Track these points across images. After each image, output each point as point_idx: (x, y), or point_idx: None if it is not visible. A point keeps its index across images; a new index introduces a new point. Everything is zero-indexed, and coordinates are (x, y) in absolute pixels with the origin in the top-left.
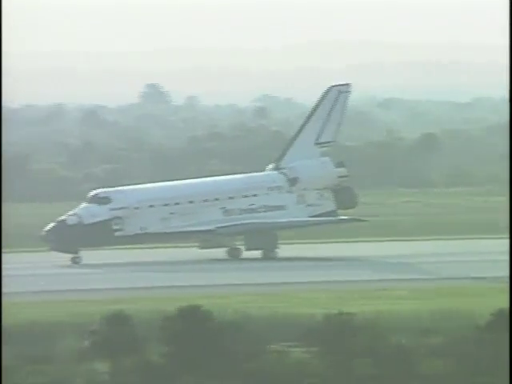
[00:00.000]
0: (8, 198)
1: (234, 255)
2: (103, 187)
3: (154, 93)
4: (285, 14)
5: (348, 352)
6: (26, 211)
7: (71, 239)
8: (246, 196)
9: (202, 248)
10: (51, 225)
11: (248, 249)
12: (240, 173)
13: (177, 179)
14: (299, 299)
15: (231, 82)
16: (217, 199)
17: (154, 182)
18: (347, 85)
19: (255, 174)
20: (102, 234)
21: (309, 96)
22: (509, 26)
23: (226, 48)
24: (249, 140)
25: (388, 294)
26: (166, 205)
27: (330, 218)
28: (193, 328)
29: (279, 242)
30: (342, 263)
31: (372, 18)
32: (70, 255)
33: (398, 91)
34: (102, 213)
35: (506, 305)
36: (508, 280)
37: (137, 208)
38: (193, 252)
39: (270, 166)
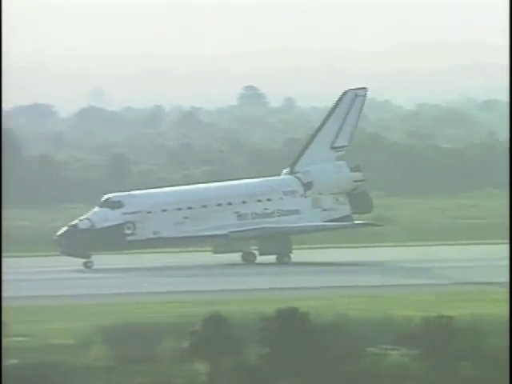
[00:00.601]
0: None
1: (249, 260)
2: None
3: (252, 94)
4: (388, 14)
5: (449, 355)
6: None
7: (83, 244)
8: (259, 200)
9: (216, 253)
10: (63, 229)
11: (261, 253)
12: None
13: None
14: (399, 301)
15: (328, 83)
16: (230, 203)
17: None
18: (364, 88)
19: (269, 178)
20: (114, 239)
21: (406, 98)
22: None
23: (324, 49)
24: None
25: (484, 298)
26: (179, 209)
27: (345, 223)
28: (291, 329)
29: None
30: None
31: (476, 18)
32: (82, 260)
33: (499, 93)
34: (114, 217)
35: None
36: None
37: (149, 212)
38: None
39: (285, 171)
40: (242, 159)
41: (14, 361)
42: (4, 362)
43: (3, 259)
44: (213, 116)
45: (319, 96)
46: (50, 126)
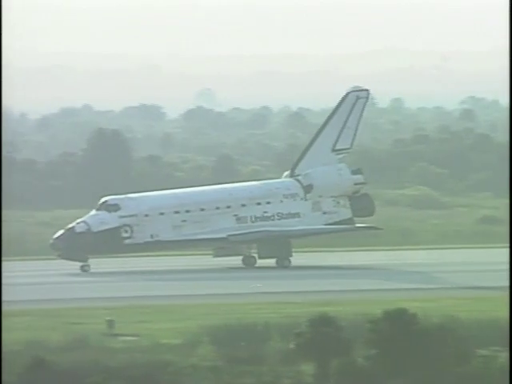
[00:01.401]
0: None
1: (249, 263)
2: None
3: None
4: (495, 14)
5: None
6: None
7: (80, 247)
8: (259, 203)
9: (216, 256)
10: (59, 232)
11: (261, 257)
12: (448, 175)
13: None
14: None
15: (436, 83)
16: (229, 207)
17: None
18: (366, 90)
19: (269, 181)
20: (111, 242)
21: None
22: None
23: (431, 50)
24: (454, 143)
25: None
26: (176, 212)
27: (346, 226)
28: (400, 331)
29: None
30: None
31: None
32: (79, 263)
33: None
34: (110, 220)
35: None
36: None
37: (147, 215)
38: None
39: (286, 173)
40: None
41: (123, 360)
42: (111, 362)
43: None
44: (320, 117)
45: (427, 96)
46: (159, 127)
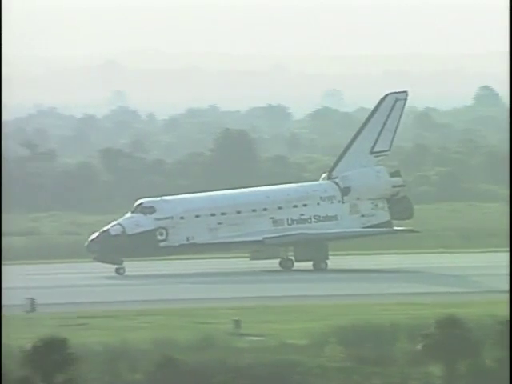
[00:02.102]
0: None
1: (287, 266)
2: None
3: (488, 94)
4: None
5: None
6: None
7: (114, 250)
8: (296, 206)
9: (253, 259)
10: (94, 235)
11: (297, 260)
12: None
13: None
14: None
15: None
16: (265, 209)
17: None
18: (404, 92)
19: (306, 183)
20: (146, 245)
21: None
22: None
23: None
24: None
25: None
26: (212, 215)
27: (383, 229)
28: None
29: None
30: None
31: None
32: (114, 266)
33: None
34: (146, 223)
35: None
36: None
37: (182, 218)
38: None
39: (323, 176)
40: (478, 161)
41: (250, 360)
42: (238, 362)
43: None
44: (448, 116)
45: None
46: (285, 127)
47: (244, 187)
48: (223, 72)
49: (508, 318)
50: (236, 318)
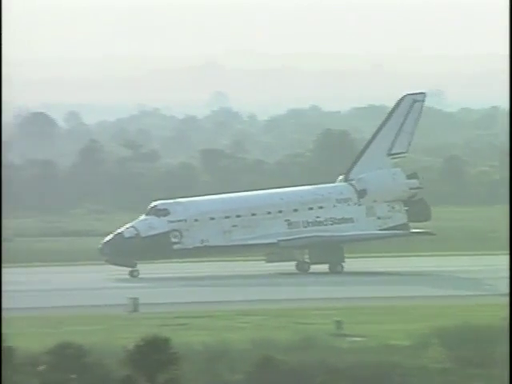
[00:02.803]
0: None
1: (303, 269)
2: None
3: None
4: None
5: None
6: (457, 215)
7: (128, 252)
8: (311, 208)
9: (269, 261)
10: (108, 237)
11: (313, 262)
12: None
13: None
14: None
15: None
16: (280, 211)
17: None
18: (422, 93)
19: (322, 185)
20: (160, 247)
21: None
22: None
23: None
24: None
25: None
26: (227, 217)
27: (400, 231)
28: None
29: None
30: None
31: None
32: (128, 268)
33: None
34: (160, 225)
35: None
36: None
37: (196, 220)
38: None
39: (340, 178)
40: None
41: (351, 361)
42: (339, 362)
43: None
44: None
45: None
46: None
47: None
48: (324, 72)
49: None
50: (337, 319)
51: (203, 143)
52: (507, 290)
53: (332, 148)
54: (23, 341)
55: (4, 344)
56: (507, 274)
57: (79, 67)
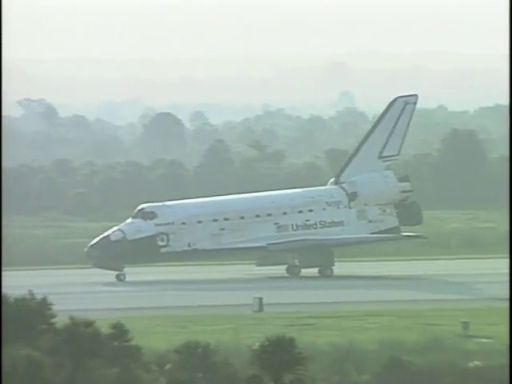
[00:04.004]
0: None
1: (294, 273)
2: None
3: None
4: None
5: None
6: None
7: (115, 255)
8: (301, 211)
9: (259, 265)
10: (94, 240)
11: (303, 266)
12: None
13: None
14: None
15: None
16: (270, 215)
17: None
18: (414, 96)
19: (312, 188)
20: (146, 251)
21: None
22: None
23: None
24: None
25: None
26: (215, 220)
27: (391, 235)
28: None
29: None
30: None
31: None
32: (115, 272)
33: None
34: (147, 228)
35: None
36: None
37: (184, 223)
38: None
39: (331, 181)
40: None
41: (478, 363)
42: (467, 364)
43: None
44: None
45: None
46: None
47: (469, 188)
48: (451, 71)
49: None
50: (464, 320)
51: (328, 143)
52: None
53: (459, 148)
54: (150, 340)
55: (132, 342)
56: None
57: (206, 67)
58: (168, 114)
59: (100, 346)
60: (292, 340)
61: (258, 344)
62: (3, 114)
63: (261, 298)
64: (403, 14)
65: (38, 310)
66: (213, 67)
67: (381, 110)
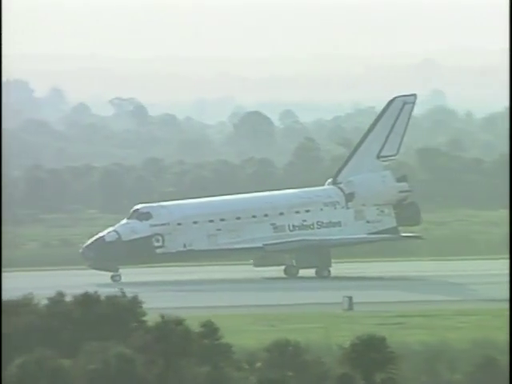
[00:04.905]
0: None
1: (292, 273)
2: None
3: None
4: None
5: None
6: None
7: (109, 256)
8: (298, 212)
9: (257, 266)
10: (89, 241)
11: (300, 267)
12: None
13: None
14: None
15: None
16: (266, 215)
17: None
18: (413, 95)
19: (309, 188)
20: (141, 252)
21: None
22: None
23: None
24: None
25: None
26: (211, 221)
27: (389, 235)
28: None
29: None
30: None
31: None
32: (110, 273)
33: None
34: (141, 229)
35: None
36: None
37: (179, 224)
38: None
39: (329, 181)
40: None
41: None
42: None
43: None
44: None
45: None
46: None
47: None
48: None
49: None
50: None
51: (419, 142)
52: None
53: None
54: (241, 338)
55: (221, 340)
56: None
57: (296, 66)
58: (258, 113)
59: (190, 344)
60: (383, 339)
61: (348, 343)
62: (95, 112)
63: (350, 297)
64: (495, 11)
65: (129, 307)
66: (303, 65)
67: (471, 108)
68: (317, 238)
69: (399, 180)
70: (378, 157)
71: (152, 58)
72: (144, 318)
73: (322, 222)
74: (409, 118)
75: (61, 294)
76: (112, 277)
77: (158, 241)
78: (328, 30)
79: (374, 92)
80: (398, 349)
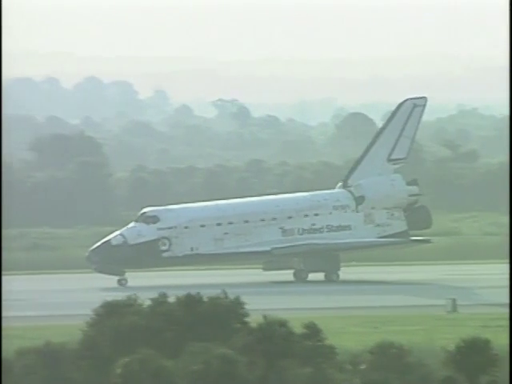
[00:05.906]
0: None
1: (301, 277)
2: None
3: None
4: None
5: None
6: None
7: (116, 260)
8: (306, 215)
9: (266, 270)
10: (95, 245)
11: (308, 271)
12: None
13: None
14: None
15: None
16: (274, 218)
17: None
18: (423, 98)
19: (318, 192)
20: (148, 255)
21: None
22: None
23: None
24: None
25: None
26: (218, 224)
27: (399, 239)
28: None
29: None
30: None
31: None
32: (116, 277)
33: None
34: (148, 232)
35: None
36: None
37: (187, 227)
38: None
39: (339, 184)
40: None
41: None
42: None
43: None
44: None
45: None
46: None
47: None
48: None
49: None
50: None
51: None
52: None
53: None
54: (343, 339)
55: (325, 342)
56: None
57: (399, 67)
58: (360, 114)
59: (293, 346)
60: (487, 341)
61: (452, 345)
62: (197, 114)
63: (454, 299)
64: None
65: (231, 308)
66: (405, 66)
67: None
68: (326, 241)
69: (409, 183)
70: (388, 160)
71: (254, 60)
72: (246, 319)
73: (332, 226)
74: (419, 121)
75: (164, 295)
76: (118, 281)
77: (164, 244)
78: (431, 29)
79: (477, 93)
80: (501, 352)
